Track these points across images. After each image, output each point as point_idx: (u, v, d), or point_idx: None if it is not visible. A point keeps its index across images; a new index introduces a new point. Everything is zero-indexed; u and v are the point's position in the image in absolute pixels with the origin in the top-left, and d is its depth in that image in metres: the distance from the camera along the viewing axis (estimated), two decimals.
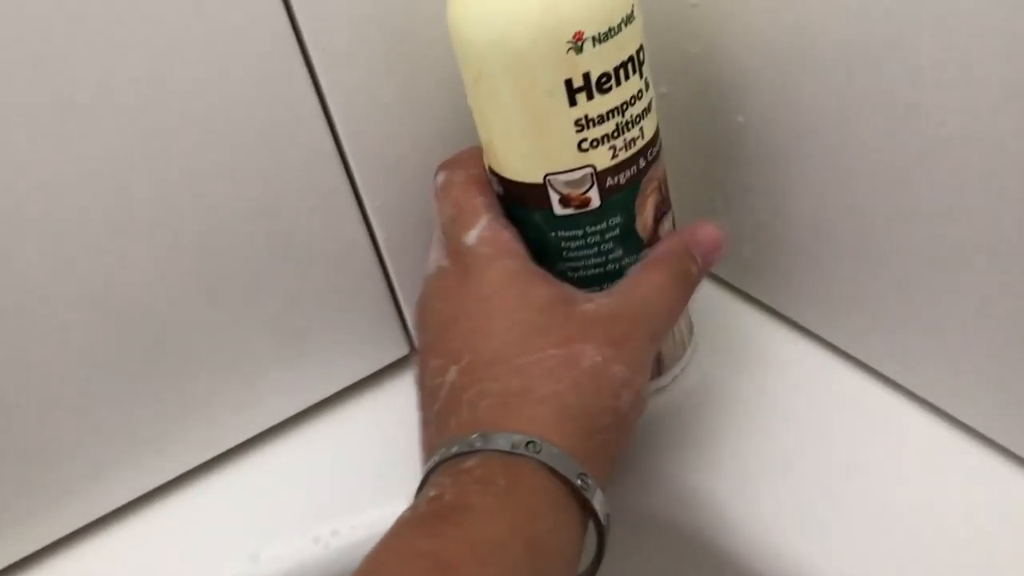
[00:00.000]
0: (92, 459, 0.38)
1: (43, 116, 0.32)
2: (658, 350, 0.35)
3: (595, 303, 0.33)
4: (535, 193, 0.34)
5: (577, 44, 0.30)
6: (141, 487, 0.41)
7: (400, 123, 0.38)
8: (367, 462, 0.42)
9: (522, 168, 0.34)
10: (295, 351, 0.41)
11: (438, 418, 0.33)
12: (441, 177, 0.37)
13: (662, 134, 0.36)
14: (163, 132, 0.34)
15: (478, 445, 0.30)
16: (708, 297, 0.45)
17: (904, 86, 0.30)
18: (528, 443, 0.29)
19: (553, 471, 0.29)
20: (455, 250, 0.35)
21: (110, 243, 0.35)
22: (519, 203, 0.35)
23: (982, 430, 0.35)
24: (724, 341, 0.43)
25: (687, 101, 0.40)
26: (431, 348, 0.34)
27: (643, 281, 0.35)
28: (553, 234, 0.35)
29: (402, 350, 0.44)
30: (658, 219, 0.36)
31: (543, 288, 0.33)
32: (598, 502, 0.30)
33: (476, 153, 0.37)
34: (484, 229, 0.34)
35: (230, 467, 0.42)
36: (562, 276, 0.36)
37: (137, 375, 0.38)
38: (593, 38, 0.30)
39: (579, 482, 0.29)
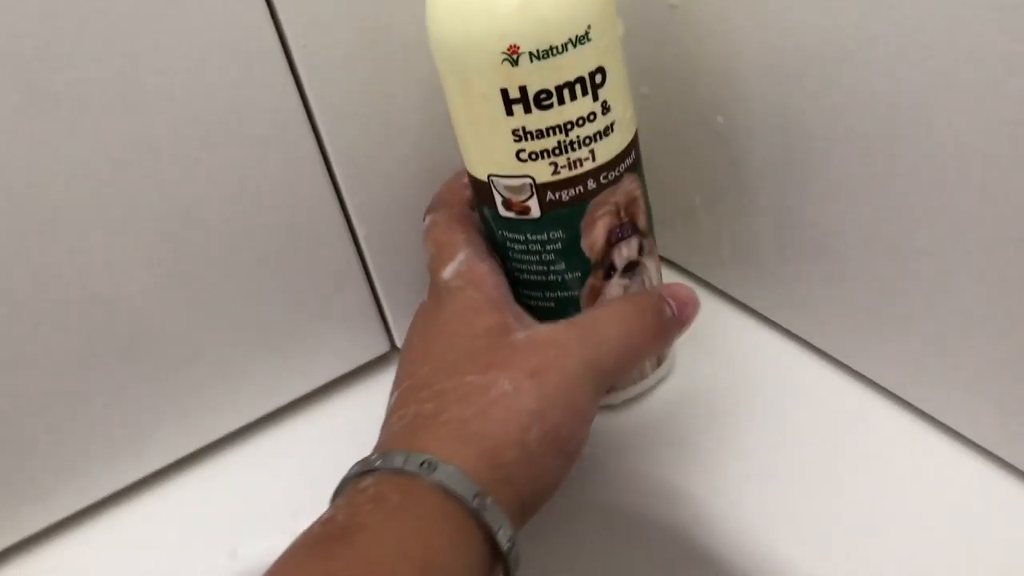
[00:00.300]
0: (70, 454, 0.40)
1: (21, 116, 0.33)
2: (606, 385, 0.34)
3: (532, 331, 0.34)
4: (484, 190, 0.36)
5: (512, 57, 0.32)
6: (120, 481, 0.42)
7: (382, 122, 0.40)
8: (346, 458, 0.43)
9: (473, 164, 0.36)
10: (276, 347, 0.43)
11: (378, 440, 0.34)
12: (427, 220, 0.39)
13: (642, 138, 0.37)
14: (145, 132, 0.36)
15: (376, 464, 0.30)
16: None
17: (885, 87, 0.31)
18: (423, 462, 0.29)
19: (447, 491, 0.29)
20: (434, 285, 0.37)
21: (89, 240, 0.37)
22: (475, 196, 0.37)
23: (962, 430, 0.35)
24: (703, 340, 0.43)
25: (667, 103, 0.41)
26: (395, 376, 0.36)
27: (601, 311, 0.35)
28: (500, 233, 0.37)
29: (383, 347, 0.46)
30: (612, 243, 0.37)
31: (488, 316, 0.34)
32: (496, 521, 0.29)
33: (458, 190, 0.39)
34: (461, 264, 0.36)
35: (210, 462, 0.44)
36: (510, 278, 0.38)
37: (116, 371, 0.39)
38: (530, 54, 0.32)
39: (475, 503, 0.29)
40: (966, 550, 0.32)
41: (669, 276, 0.47)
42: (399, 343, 0.46)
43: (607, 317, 0.35)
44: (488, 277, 0.36)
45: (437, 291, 0.36)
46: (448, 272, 0.36)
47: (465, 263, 0.36)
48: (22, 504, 0.40)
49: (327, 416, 0.46)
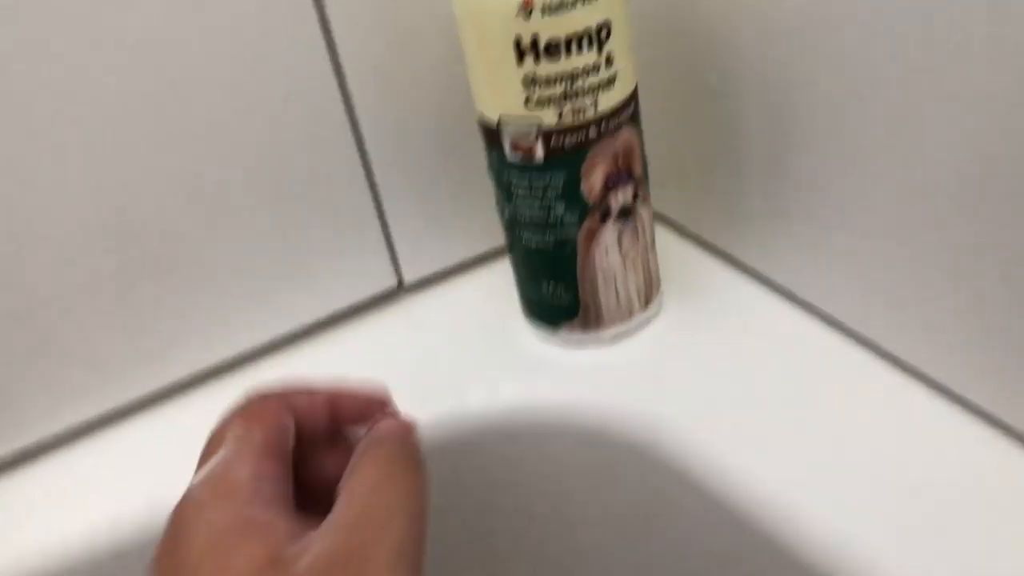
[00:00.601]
0: (99, 358, 0.43)
1: (54, 31, 0.36)
2: (421, 556, 0.29)
3: (311, 554, 0.27)
4: (493, 135, 0.39)
5: (526, 11, 0.35)
6: (143, 389, 0.45)
7: (404, 68, 0.43)
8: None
9: (484, 108, 0.39)
10: (292, 274, 0.46)
11: None
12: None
13: (639, 96, 0.40)
14: (181, 66, 0.39)
15: None
16: (676, 249, 0.50)
17: (866, 50, 0.34)
18: None
19: None
20: (181, 497, 0.29)
21: (120, 158, 0.40)
22: (485, 140, 0.40)
23: (920, 366, 0.39)
24: (690, 288, 0.47)
25: (665, 62, 0.44)
26: None
27: (356, 492, 0.29)
28: (506, 177, 0.40)
29: (391, 281, 0.49)
30: (608, 188, 0.40)
31: (248, 545, 0.27)
32: None
33: (268, 394, 0.33)
34: (216, 464, 0.29)
35: (225, 381, 0.47)
36: (513, 220, 0.41)
37: (147, 282, 0.42)
38: (542, 7, 0.35)
39: None
40: (921, 476, 0.35)
41: (660, 230, 0.50)
42: (407, 279, 0.49)
43: (370, 489, 0.29)
44: (246, 484, 0.28)
45: (179, 508, 0.28)
46: (197, 477, 0.29)
47: (222, 463, 0.29)
48: (55, 404, 0.43)
49: (334, 345, 0.49)
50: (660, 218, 0.52)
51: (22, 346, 0.42)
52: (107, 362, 0.44)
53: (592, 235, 0.41)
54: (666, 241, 0.51)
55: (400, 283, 0.49)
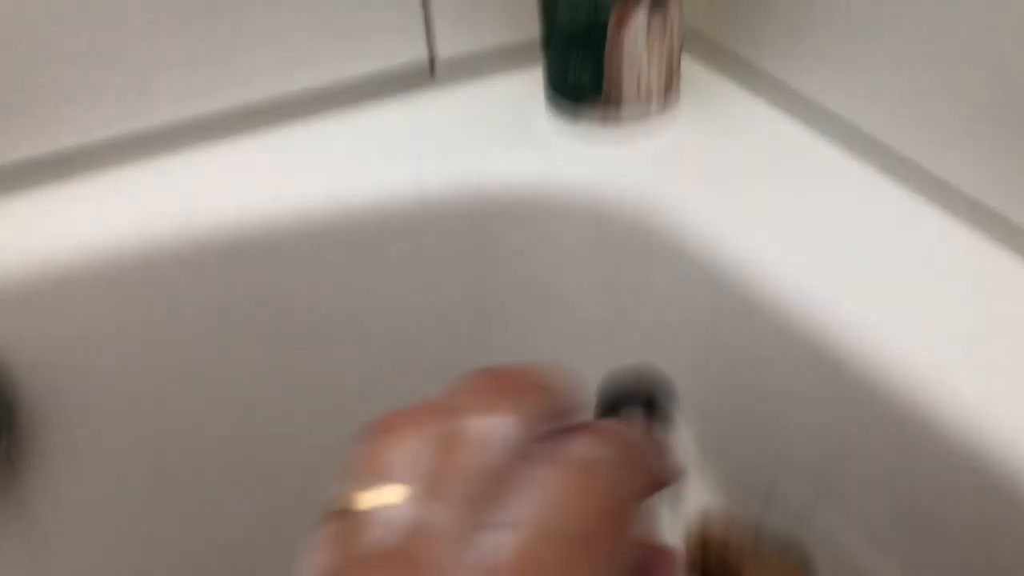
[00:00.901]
0: (141, 77, 0.46)
1: None
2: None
3: None
4: None
5: None
6: (183, 114, 0.48)
7: None
8: (376, 148, 0.49)
9: None
10: (325, 23, 0.48)
11: None
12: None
13: None
14: None
15: None
16: (700, 67, 0.52)
17: None
18: None
19: None
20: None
21: None
22: None
23: (911, 155, 0.42)
24: (705, 101, 0.49)
25: None
26: None
27: None
28: None
29: (423, 53, 0.51)
30: None
31: None
32: None
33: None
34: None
35: (255, 129, 0.49)
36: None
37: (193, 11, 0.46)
38: None
39: None
40: (895, 246, 0.39)
41: (686, 53, 0.52)
42: (440, 55, 0.51)
43: None
44: None
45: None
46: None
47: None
48: (106, 112, 0.47)
49: (360, 118, 0.50)
50: (688, 34, 0.53)
51: (80, 55, 0.45)
52: (150, 84, 0.46)
53: (624, 16, 0.43)
54: (691, 58, 0.52)
55: (432, 60, 0.51)
